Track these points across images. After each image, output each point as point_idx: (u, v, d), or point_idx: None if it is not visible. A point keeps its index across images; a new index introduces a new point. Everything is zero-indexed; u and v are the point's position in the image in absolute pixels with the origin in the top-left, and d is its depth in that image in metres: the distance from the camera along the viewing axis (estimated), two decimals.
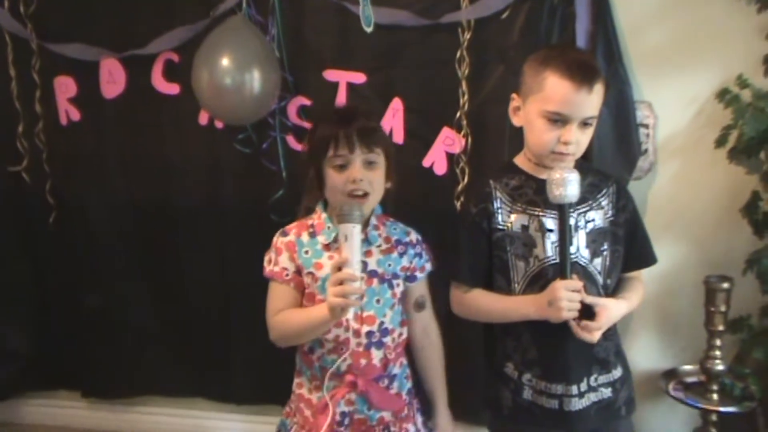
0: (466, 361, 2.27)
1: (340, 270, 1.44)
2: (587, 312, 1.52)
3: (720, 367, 2.09)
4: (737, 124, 2.02)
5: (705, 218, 2.21)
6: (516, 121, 1.63)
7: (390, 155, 1.64)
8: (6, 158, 2.56)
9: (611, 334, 1.63)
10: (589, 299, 1.52)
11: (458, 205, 2.22)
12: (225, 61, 2.09)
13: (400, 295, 1.68)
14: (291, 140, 2.35)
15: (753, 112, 1.99)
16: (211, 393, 2.67)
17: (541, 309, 1.52)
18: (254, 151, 2.37)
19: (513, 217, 1.60)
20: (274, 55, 2.23)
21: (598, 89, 1.53)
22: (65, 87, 2.47)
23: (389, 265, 1.65)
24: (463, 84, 2.19)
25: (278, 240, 1.65)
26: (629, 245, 1.65)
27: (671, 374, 2.22)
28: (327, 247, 1.61)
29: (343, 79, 2.27)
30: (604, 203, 1.63)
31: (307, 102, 2.32)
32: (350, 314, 1.48)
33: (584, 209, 1.60)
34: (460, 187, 2.25)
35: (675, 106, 2.16)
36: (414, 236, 1.73)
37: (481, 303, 1.64)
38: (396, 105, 2.26)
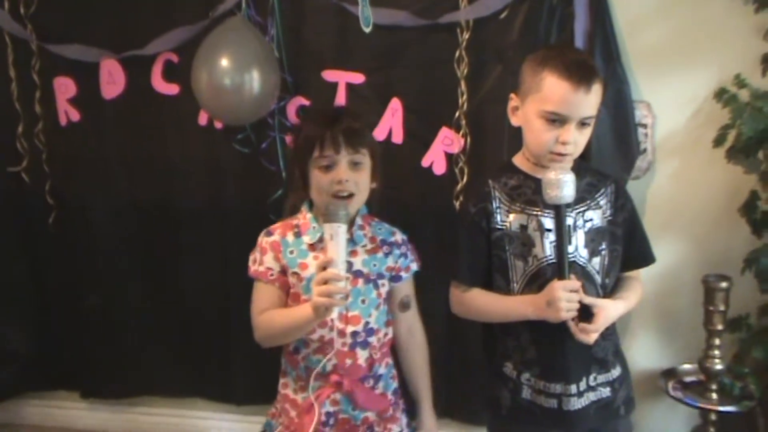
0: (466, 361, 2.29)
1: (325, 269, 1.43)
2: (586, 312, 1.52)
3: (719, 367, 2.10)
4: (735, 124, 2.02)
5: (703, 217, 2.21)
6: (514, 121, 1.63)
7: (376, 155, 1.63)
8: (6, 159, 2.56)
9: (610, 333, 1.63)
10: (588, 300, 1.52)
11: (457, 204, 2.23)
12: (224, 62, 2.09)
13: (386, 295, 1.67)
14: (290, 140, 2.35)
15: (751, 111, 2.00)
16: (211, 393, 2.67)
17: (540, 309, 1.52)
18: (253, 151, 2.37)
19: (511, 216, 1.60)
20: (274, 55, 2.23)
21: (597, 89, 1.53)
22: (65, 88, 2.47)
23: (374, 265, 1.65)
24: (462, 84, 2.19)
25: (263, 240, 1.65)
26: (628, 245, 1.65)
27: (670, 373, 2.22)
28: (312, 247, 1.61)
29: (342, 79, 2.27)
30: (602, 203, 1.63)
31: (306, 102, 2.33)
32: (335, 314, 1.48)
33: (582, 209, 1.60)
34: (459, 187, 2.25)
35: (673, 105, 2.17)
36: (399, 236, 1.72)
37: (480, 303, 1.64)
38: (395, 105, 2.26)
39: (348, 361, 1.61)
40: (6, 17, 2.43)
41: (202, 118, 2.40)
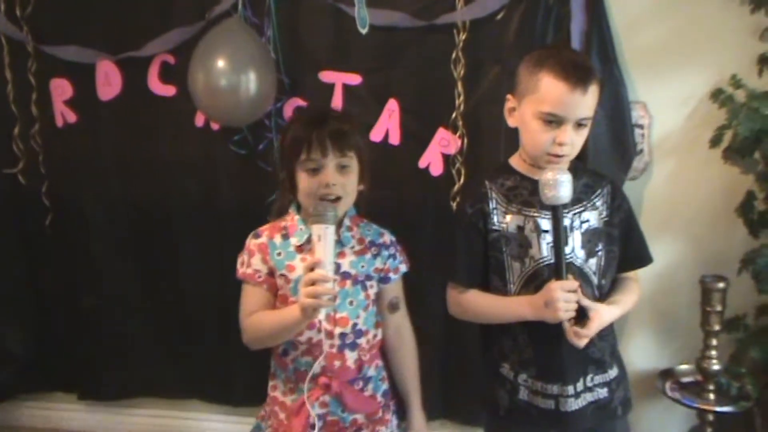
0: (463, 361, 2.29)
1: (312, 271, 1.43)
2: (583, 313, 1.52)
3: (716, 367, 2.10)
4: (732, 124, 2.02)
5: (700, 218, 2.22)
6: (511, 122, 1.63)
7: (363, 158, 1.62)
8: (2, 161, 2.55)
9: (607, 334, 1.63)
10: (584, 302, 1.52)
11: (454, 205, 2.22)
12: (221, 63, 2.09)
13: (374, 297, 1.67)
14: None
15: (747, 112, 2.00)
16: (208, 395, 2.67)
17: (538, 310, 1.52)
18: (250, 152, 2.37)
19: (508, 217, 1.60)
20: (270, 56, 2.23)
21: (593, 90, 1.52)
22: (61, 89, 2.47)
23: (362, 266, 1.64)
24: (459, 85, 2.19)
25: (251, 242, 1.65)
26: (624, 245, 1.65)
27: (667, 374, 2.22)
28: (300, 248, 1.61)
29: (339, 80, 2.27)
30: (598, 204, 1.63)
31: (303, 103, 2.32)
32: (322, 315, 1.48)
33: (579, 210, 1.60)
34: (456, 188, 2.25)
35: (670, 106, 2.17)
36: (388, 237, 1.72)
37: (478, 304, 1.64)
38: (392, 106, 2.26)
39: (337, 363, 1.60)
40: (2, 19, 2.43)
41: (199, 120, 2.40)
